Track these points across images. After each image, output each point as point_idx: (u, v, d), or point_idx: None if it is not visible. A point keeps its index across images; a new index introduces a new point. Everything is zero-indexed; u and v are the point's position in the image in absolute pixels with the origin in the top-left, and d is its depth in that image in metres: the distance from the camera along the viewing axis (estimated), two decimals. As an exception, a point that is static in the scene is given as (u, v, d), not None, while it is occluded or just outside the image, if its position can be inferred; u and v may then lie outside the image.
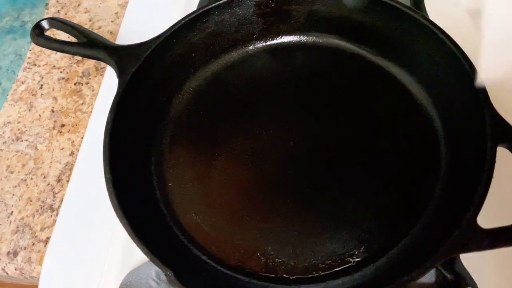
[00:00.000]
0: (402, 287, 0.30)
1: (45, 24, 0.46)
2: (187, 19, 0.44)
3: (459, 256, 0.37)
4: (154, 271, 0.41)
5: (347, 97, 0.45)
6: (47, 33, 0.48)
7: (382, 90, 0.44)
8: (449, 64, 0.39)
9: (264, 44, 0.49)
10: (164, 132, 0.44)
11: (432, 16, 0.50)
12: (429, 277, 0.38)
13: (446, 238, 0.31)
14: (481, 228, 0.30)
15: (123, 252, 0.42)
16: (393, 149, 0.41)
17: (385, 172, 0.39)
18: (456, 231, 0.30)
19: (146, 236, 0.34)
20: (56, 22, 0.46)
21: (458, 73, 0.38)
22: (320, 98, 0.45)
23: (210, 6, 0.45)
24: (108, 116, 0.39)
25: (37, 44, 0.46)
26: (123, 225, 0.34)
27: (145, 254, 0.32)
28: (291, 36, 0.48)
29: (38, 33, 0.46)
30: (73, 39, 0.46)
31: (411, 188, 0.38)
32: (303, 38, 0.48)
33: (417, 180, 0.39)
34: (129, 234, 0.33)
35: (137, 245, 0.33)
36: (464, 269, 0.37)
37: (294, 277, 0.36)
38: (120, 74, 0.42)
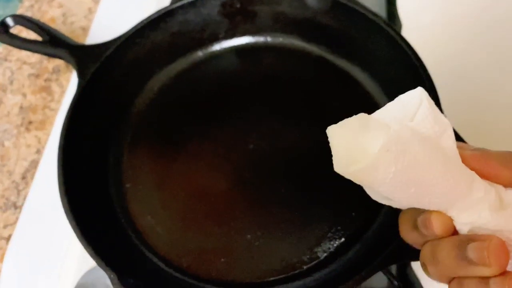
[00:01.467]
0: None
1: (9, 21, 0.46)
2: (149, 19, 0.44)
3: (410, 263, 0.38)
4: (112, 270, 0.41)
5: (311, 99, 0.44)
6: (14, 30, 0.48)
7: (344, 93, 0.44)
8: (405, 67, 0.39)
9: (230, 44, 0.48)
10: (124, 132, 0.44)
11: (406, 25, 0.50)
12: (380, 282, 0.39)
13: (388, 246, 0.31)
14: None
15: (82, 251, 0.42)
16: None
17: (336, 180, 0.39)
18: (397, 240, 0.30)
19: (97, 237, 0.35)
20: (21, 19, 0.46)
21: (414, 75, 0.38)
22: (283, 100, 0.45)
23: (174, 6, 0.45)
24: (64, 117, 0.39)
25: (1, 41, 0.46)
26: (71, 226, 0.34)
27: (90, 255, 0.33)
28: (257, 37, 0.48)
29: (2, 30, 0.46)
30: (39, 37, 0.46)
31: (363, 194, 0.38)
32: (269, 39, 0.48)
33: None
34: (76, 235, 0.34)
35: (84, 246, 0.33)
36: (414, 275, 0.37)
37: (246, 281, 0.37)
38: (79, 74, 0.42)
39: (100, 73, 0.42)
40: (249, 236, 0.38)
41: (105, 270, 0.32)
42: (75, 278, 0.41)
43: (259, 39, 0.48)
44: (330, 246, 0.37)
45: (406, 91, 0.40)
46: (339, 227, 0.37)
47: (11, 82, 0.55)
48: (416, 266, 0.38)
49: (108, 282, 0.41)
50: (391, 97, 0.42)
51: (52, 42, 0.44)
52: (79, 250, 0.42)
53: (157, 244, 0.38)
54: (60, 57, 0.44)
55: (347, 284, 0.31)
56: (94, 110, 0.42)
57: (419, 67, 0.37)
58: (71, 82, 0.53)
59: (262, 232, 0.38)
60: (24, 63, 0.56)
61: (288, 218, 0.38)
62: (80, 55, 0.43)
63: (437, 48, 0.48)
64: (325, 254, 0.36)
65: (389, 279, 0.36)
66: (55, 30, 0.46)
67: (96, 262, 0.32)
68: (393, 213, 0.36)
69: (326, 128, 0.29)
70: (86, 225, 0.35)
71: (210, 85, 0.47)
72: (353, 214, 0.38)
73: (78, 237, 0.33)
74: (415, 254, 0.30)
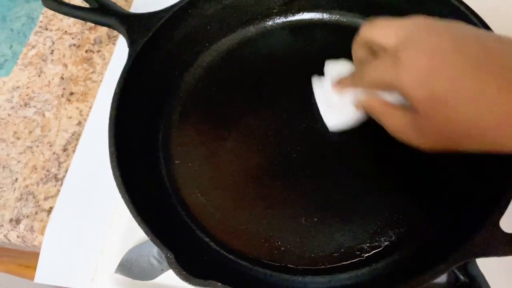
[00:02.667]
0: (420, 284, 0.28)
1: (56, -14, 0.44)
2: (203, -11, 0.42)
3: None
4: (156, 249, 0.40)
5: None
6: (59, -4, 0.46)
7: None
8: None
9: (283, 20, 0.46)
10: (173, 107, 0.43)
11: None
12: (441, 277, 0.37)
13: (464, 240, 0.29)
14: (504, 232, 0.28)
15: (126, 228, 0.41)
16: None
17: (402, 166, 0.37)
18: (477, 234, 0.28)
19: (149, 215, 0.33)
20: (68, -15, 0.44)
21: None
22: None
23: (229, -24, 0.42)
24: (115, 88, 0.38)
25: (47, 7, 0.44)
26: (126, 203, 0.33)
27: (146, 233, 0.31)
28: (313, 13, 0.46)
29: (49, -4, 0.44)
30: (86, 4, 0.44)
31: (429, 184, 0.36)
32: (325, 16, 0.45)
33: (436, 177, 0.36)
34: (131, 212, 0.32)
35: (139, 224, 0.32)
36: (479, 271, 0.35)
37: (299, 267, 0.35)
38: (130, 44, 0.40)
39: (151, 44, 0.40)
40: (303, 220, 0.36)
41: (161, 249, 0.31)
42: (117, 254, 0.40)
43: (315, 15, 0.46)
44: (393, 235, 0.35)
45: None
46: (401, 216, 0.35)
47: (52, 52, 0.54)
48: (480, 260, 0.36)
49: (152, 259, 0.40)
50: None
51: (101, 10, 0.42)
52: (123, 226, 0.41)
53: (208, 224, 0.37)
54: (109, 26, 0.42)
55: (417, 279, 0.29)
56: (144, 83, 0.40)
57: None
58: (114, 55, 0.51)
59: (318, 217, 0.36)
60: (65, 33, 0.55)
61: (347, 203, 0.37)
62: (131, 24, 0.41)
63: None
64: (386, 243, 0.34)
65: (453, 273, 0.34)
66: (104, -3, 0.44)
67: (152, 241, 0.31)
68: (466, 206, 0.34)
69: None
70: (139, 202, 0.33)
71: (262, 62, 0.45)
72: (418, 203, 0.35)
73: (133, 215, 0.32)
74: (491, 251, 0.28)
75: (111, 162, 0.34)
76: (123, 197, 0.33)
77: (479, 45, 0.26)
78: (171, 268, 0.30)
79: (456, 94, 0.26)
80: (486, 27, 0.37)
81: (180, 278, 0.30)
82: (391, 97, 0.32)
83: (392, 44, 0.29)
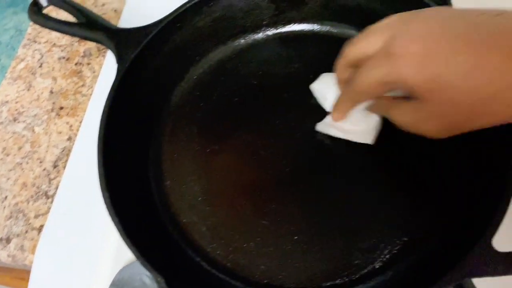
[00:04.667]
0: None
1: (43, 1, 0.44)
2: (192, 2, 0.41)
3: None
4: (148, 267, 0.39)
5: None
6: (47, 10, 0.45)
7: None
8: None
9: (274, 31, 0.46)
10: (164, 122, 0.42)
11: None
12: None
13: (458, 260, 0.28)
14: (497, 251, 0.28)
15: (117, 246, 0.40)
16: (408, 159, 0.38)
17: (399, 184, 0.37)
18: (470, 254, 0.28)
19: (139, 236, 0.33)
20: (55, 0, 0.44)
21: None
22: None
23: (218, -11, 0.42)
24: (104, 105, 0.37)
25: (34, 22, 0.44)
26: (115, 224, 0.32)
27: (136, 257, 0.31)
28: (304, 25, 0.45)
29: (35, 11, 0.43)
30: (74, 19, 0.44)
31: (421, 203, 0.36)
32: (316, 27, 0.45)
33: (430, 195, 0.36)
34: (121, 235, 0.32)
35: (129, 248, 0.31)
36: (471, 284, 0.35)
37: (293, 286, 0.35)
38: (119, 60, 0.39)
39: (140, 59, 0.40)
40: (297, 237, 0.36)
41: (151, 273, 0.30)
42: (110, 273, 0.39)
43: (306, 26, 0.45)
44: (387, 253, 0.34)
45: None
46: (398, 233, 0.35)
47: (41, 65, 0.53)
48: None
49: (145, 278, 0.40)
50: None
51: (89, 25, 0.42)
52: (115, 244, 0.41)
53: (200, 243, 0.36)
54: (97, 41, 0.42)
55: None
56: (133, 99, 0.40)
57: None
58: (104, 67, 0.51)
59: (312, 234, 0.36)
60: (54, 45, 0.54)
61: (341, 219, 0.36)
62: (120, 39, 0.40)
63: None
64: (380, 262, 0.34)
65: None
66: (91, 12, 0.43)
67: (143, 264, 0.30)
68: (459, 225, 0.34)
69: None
70: (128, 223, 0.33)
71: (253, 74, 0.44)
72: (415, 220, 0.35)
73: (121, 236, 0.32)
74: (484, 271, 0.28)
75: (100, 183, 0.34)
76: (112, 219, 0.32)
77: (465, 22, 0.27)
78: (162, 292, 0.30)
79: (454, 72, 0.26)
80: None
81: (170, 303, 0.29)
82: (393, 94, 0.32)
83: (381, 46, 0.29)
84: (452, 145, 0.33)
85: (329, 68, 0.43)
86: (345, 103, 0.34)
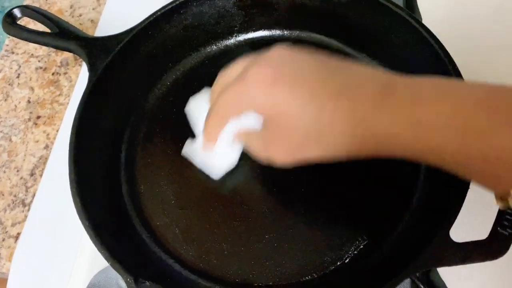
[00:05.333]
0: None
1: (17, 12, 0.45)
2: (162, 11, 0.42)
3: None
4: (124, 271, 0.40)
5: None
6: (21, 21, 0.46)
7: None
8: (429, 60, 0.37)
9: (245, 37, 0.47)
10: (137, 128, 0.43)
11: (425, 17, 0.48)
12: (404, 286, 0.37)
13: (419, 251, 0.29)
14: (454, 242, 0.29)
15: (93, 251, 0.41)
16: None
17: (360, 182, 0.38)
18: (429, 245, 0.29)
19: (110, 239, 0.33)
20: (29, 11, 0.45)
21: (438, 68, 0.36)
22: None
23: (188, -3, 0.43)
24: (75, 113, 0.38)
25: (8, 33, 0.45)
26: (85, 228, 0.33)
27: (106, 259, 0.31)
28: (274, 30, 0.46)
29: (9, 22, 0.44)
30: (47, 29, 0.45)
31: (385, 199, 0.37)
32: (286, 33, 0.46)
33: (392, 191, 0.37)
34: (91, 238, 0.32)
35: (99, 250, 0.32)
36: (440, 279, 0.36)
37: (266, 284, 0.35)
38: (90, 68, 0.40)
39: (111, 67, 0.40)
40: (267, 236, 0.37)
41: (121, 274, 0.31)
42: (86, 278, 0.40)
43: (276, 32, 0.46)
44: (354, 249, 0.35)
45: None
46: (363, 230, 0.36)
47: (18, 76, 0.54)
48: (442, 268, 0.36)
49: (121, 282, 0.40)
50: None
51: (62, 34, 0.43)
52: (90, 249, 0.41)
53: (173, 245, 0.37)
54: (69, 50, 0.43)
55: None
56: (105, 106, 0.41)
57: (445, 59, 0.36)
58: (80, 76, 0.52)
59: (282, 233, 0.37)
60: (32, 56, 0.55)
61: (310, 218, 0.37)
62: (91, 48, 0.41)
63: (456, 41, 0.46)
64: (348, 257, 0.35)
65: (414, 282, 0.35)
66: (64, 22, 0.44)
67: (111, 265, 0.31)
68: (419, 219, 0.35)
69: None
70: (99, 226, 0.34)
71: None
72: (378, 217, 0.36)
73: (91, 239, 0.32)
74: (442, 261, 0.29)
75: (71, 188, 0.34)
76: (83, 223, 0.33)
77: (315, 62, 0.30)
78: (131, 293, 0.30)
79: (295, 100, 0.28)
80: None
81: (139, 303, 0.30)
82: (251, 122, 0.32)
83: (240, 71, 0.31)
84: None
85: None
86: (213, 127, 0.34)
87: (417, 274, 0.34)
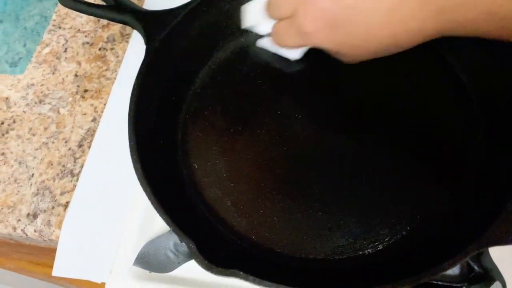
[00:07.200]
0: (430, 277, 0.29)
1: (72, -15, 0.45)
2: (219, -14, 0.43)
3: (488, 249, 0.36)
4: (172, 242, 0.40)
5: (378, 72, 0.42)
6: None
7: (410, 57, 0.42)
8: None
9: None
10: (189, 103, 0.43)
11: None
12: (454, 268, 0.37)
13: (481, 228, 0.29)
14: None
15: (142, 221, 0.41)
16: (428, 140, 0.39)
17: (416, 155, 0.38)
18: (496, 221, 0.29)
19: (168, 208, 0.34)
20: (84, -16, 0.45)
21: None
22: (354, 78, 0.43)
23: (244, -28, 0.43)
24: (134, 83, 0.38)
25: (63, 5, 0.45)
26: (146, 194, 0.33)
27: (168, 224, 0.32)
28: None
29: (65, -6, 0.45)
30: (101, 2, 0.45)
31: (444, 172, 0.37)
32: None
33: (451, 164, 0.37)
34: (152, 203, 0.33)
35: (160, 215, 0.32)
36: (492, 262, 0.36)
37: (317, 258, 0.36)
38: (147, 41, 0.41)
39: (168, 41, 0.41)
40: (320, 213, 0.37)
41: (182, 239, 0.31)
42: (136, 248, 0.40)
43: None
44: (409, 226, 0.35)
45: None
46: (419, 208, 0.36)
47: (65, 50, 0.54)
48: (494, 251, 0.36)
49: (169, 253, 0.41)
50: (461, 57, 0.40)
51: (118, 7, 0.43)
52: (139, 220, 0.42)
53: (226, 216, 0.37)
54: (125, 23, 0.43)
55: (431, 271, 0.29)
56: (160, 79, 0.41)
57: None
58: (127, 52, 0.52)
59: (334, 209, 0.37)
60: (78, 31, 0.56)
61: (361, 196, 0.37)
62: (148, 21, 0.41)
63: None
64: (404, 233, 0.35)
65: (468, 265, 0.35)
66: (119, -5, 0.45)
67: (175, 231, 0.31)
68: (477, 194, 0.35)
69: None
70: (158, 195, 0.34)
71: (276, 59, 0.45)
72: (435, 195, 0.36)
73: (154, 206, 0.33)
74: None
75: (132, 155, 0.35)
76: (144, 189, 0.33)
77: None
78: (193, 257, 0.31)
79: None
80: None
81: (202, 267, 0.30)
82: None
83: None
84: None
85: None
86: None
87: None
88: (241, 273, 0.29)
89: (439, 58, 0.42)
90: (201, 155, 0.41)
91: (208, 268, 0.30)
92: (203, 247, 0.31)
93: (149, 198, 0.33)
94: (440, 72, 0.42)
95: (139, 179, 0.34)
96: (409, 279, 0.28)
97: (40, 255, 0.58)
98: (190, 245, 0.31)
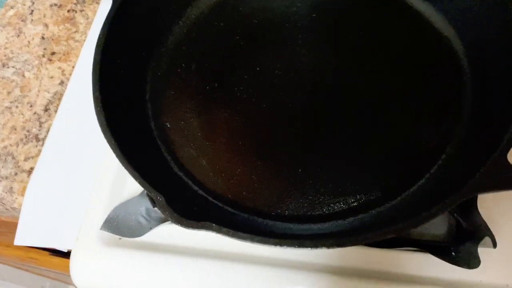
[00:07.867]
0: (420, 224, 0.27)
1: None
2: None
3: (476, 205, 0.34)
4: (144, 207, 0.38)
5: (366, 32, 0.40)
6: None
7: (403, 24, 0.40)
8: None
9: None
10: (161, 60, 0.40)
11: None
12: (440, 227, 0.35)
13: (470, 175, 0.27)
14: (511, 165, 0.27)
15: (112, 185, 0.39)
16: (413, 85, 0.37)
17: (404, 110, 0.36)
18: (484, 167, 0.27)
19: (137, 165, 0.31)
20: None
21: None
22: (335, 33, 0.41)
23: None
24: (100, 33, 0.35)
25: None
26: (111, 146, 0.31)
27: (134, 177, 0.29)
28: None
29: None
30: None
31: (433, 125, 0.35)
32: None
33: (439, 116, 0.35)
34: (117, 156, 0.30)
35: (125, 167, 0.30)
36: (481, 218, 0.34)
37: (295, 214, 0.33)
38: (115, -9, 0.38)
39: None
40: (300, 171, 0.35)
41: (150, 192, 0.29)
42: (104, 212, 0.37)
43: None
44: (392, 181, 0.33)
45: (476, 16, 0.37)
46: (402, 161, 0.34)
47: (32, 12, 0.51)
48: (482, 206, 0.35)
49: (140, 218, 0.38)
50: (455, 24, 0.39)
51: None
52: (109, 184, 0.39)
53: (200, 176, 0.35)
54: (92, -26, 0.40)
55: (415, 220, 0.27)
56: (129, 32, 0.38)
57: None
58: (98, 13, 0.49)
59: (315, 167, 0.35)
60: (46, -8, 0.52)
61: (345, 152, 0.35)
62: (115, -29, 0.38)
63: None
64: (386, 188, 0.33)
65: (457, 220, 0.33)
66: None
67: (141, 184, 0.29)
68: (463, 147, 0.33)
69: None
70: (126, 150, 0.31)
71: (254, 14, 0.43)
72: (418, 148, 0.34)
73: (120, 160, 0.30)
74: (499, 184, 0.27)
75: (95, 106, 0.32)
76: (108, 141, 0.31)
77: None
78: (161, 211, 0.28)
79: None
80: None
81: (171, 220, 0.28)
82: None
83: None
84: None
85: (332, 9, 0.42)
86: None
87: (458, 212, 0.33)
88: (214, 225, 0.27)
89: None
90: (174, 114, 0.38)
91: (177, 221, 0.27)
92: (173, 201, 0.29)
93: (114, 151, 0.30)
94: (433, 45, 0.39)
95: (103, 131, 0.31)
96: (388, 228, 0.26)
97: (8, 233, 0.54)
98: (158, 197, 0.28)
